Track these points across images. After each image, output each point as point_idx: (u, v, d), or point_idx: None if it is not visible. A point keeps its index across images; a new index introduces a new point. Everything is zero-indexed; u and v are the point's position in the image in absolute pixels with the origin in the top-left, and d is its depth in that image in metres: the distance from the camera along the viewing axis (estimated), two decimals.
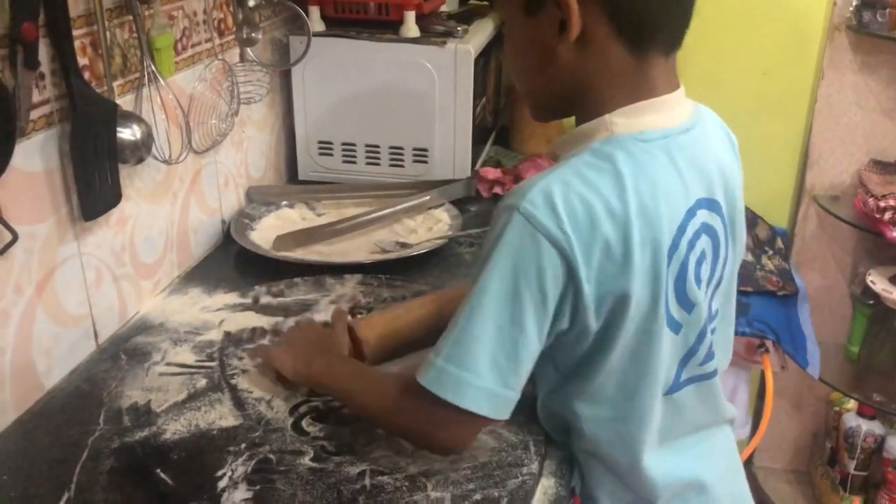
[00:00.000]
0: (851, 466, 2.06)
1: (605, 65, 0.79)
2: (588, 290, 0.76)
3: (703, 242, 0.84)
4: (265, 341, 1.10)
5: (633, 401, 0.84)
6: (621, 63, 0.79)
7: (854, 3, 1.76)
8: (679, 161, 0.81)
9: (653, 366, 0.83)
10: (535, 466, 0.86)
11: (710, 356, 0.89)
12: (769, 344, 1.67)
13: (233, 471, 0.85)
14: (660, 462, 0.87)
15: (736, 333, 1.58)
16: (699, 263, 0.83)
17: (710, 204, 0.84)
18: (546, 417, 0.92)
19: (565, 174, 0.77)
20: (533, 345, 0.77)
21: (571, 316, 0.78)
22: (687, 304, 0.83)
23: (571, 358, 0.84)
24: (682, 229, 0.80)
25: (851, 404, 2.08)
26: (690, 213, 0.81)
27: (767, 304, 1.68)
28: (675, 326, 0.83)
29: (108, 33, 1.05)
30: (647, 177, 0.78)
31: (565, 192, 0.75)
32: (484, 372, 0.76)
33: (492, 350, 0.75)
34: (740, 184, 0.90)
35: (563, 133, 1.80)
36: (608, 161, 0.77)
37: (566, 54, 0.79)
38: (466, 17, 1.70)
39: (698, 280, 0.83)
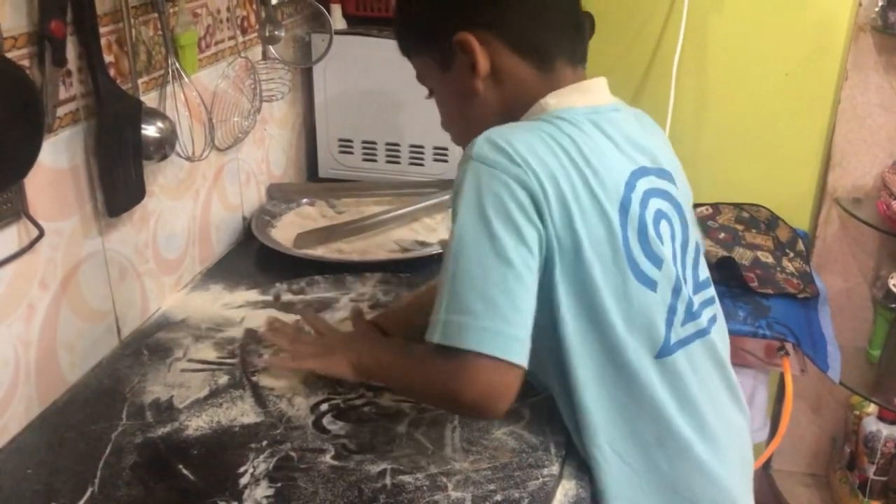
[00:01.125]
0: (871, 471, 2.04)
1: (522, 84, 0.89)
2: (551, 214, 0.79)
3: (658, 203, 0.89)
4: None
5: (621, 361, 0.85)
6: (535, 80, 0.89)
7: (880, 4, 1.74)
8: (612, 132, 0.88)
9: (640, 325, 0.85)
10: (555, 468, 0.86)
11: (692, 316, 0.90)
12: (789, 347, 1.65)
13: (254, 468, 0.85)
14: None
15: (756, 335, 1.58)
16: (657, 222, 0.87)
17: (660, 172, 0.91)
18: (562, 407, 0.91)
19: (507, 129, 0.84)
20: (526, 277, 0.78)
21: (546, 246, 0.80)
22: (655, 259, 0.86)
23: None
24: (630, 186, 0.85)
25: (872, 408, 2.06)
26: (636, 174, 0.87)
27: (788, 306, 1.66)
28: (650, 283, 0.85)
29: (133, 31, 1.05)
30: (583, 136, 0.85)
31: (508, 135, 0.82)
32: (480, 311, 0.76)
33: (482, 288, 0.76)
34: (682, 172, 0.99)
35: None
36: (545, 122, 0.85)
37: (485, 88, 0.89)
38: None
39: (660, 237, 0.87)
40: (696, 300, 0.92)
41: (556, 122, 0.85)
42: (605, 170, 0.84)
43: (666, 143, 0.99)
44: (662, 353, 0.87)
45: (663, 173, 0.92)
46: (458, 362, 0.77)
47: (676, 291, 0.88)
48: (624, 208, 0.83)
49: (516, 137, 0.81)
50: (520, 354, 0.77)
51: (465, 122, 0.93)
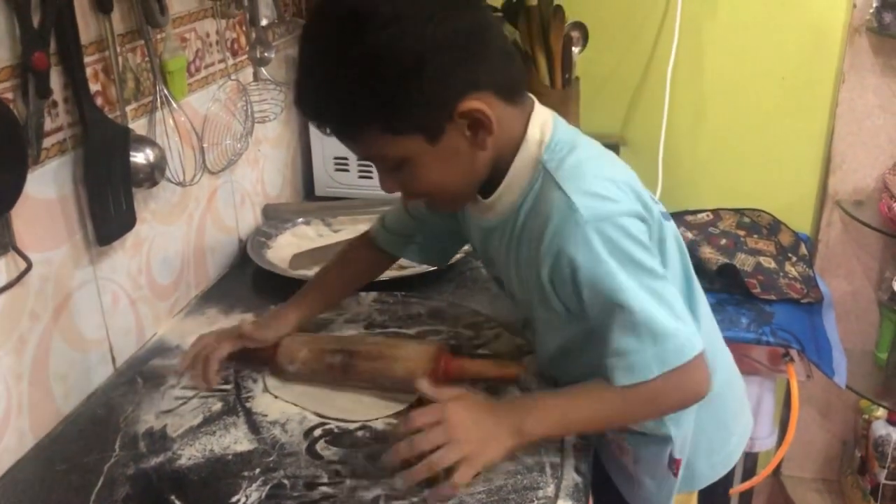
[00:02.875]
0: (882, 476, 2.02)
1: (507, 125, 0.86)
2: (653, 221, 0.89)
3: None
4: None
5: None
6: (514, 116, 0.88)
7: (874, 5, 1.73)
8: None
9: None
10: (551, 489, 0.85)
11: None
12: (794, 353, 1.64)
13: (247, 496, 0.85)
14: None
15: (759, 343, 1.57)
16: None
17: None
18: None
19: (571, 176, 0.85)
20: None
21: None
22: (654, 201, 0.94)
23: None
24: None
25: (881, 412, 2.04)
26: None
27: (791, 312, 1.65)
28: (667, 216, 0.96)
29: (120, 59, 1.05)
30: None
31: (592, 178, 0.84)
32: (685, 319, 0.84)
33: (669, 308, 0.83)
34: None
35: None
36: (573, 146, 0.88)
37: (487, 145, 0.85)
38: None
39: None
40: None
41: (571, 147, 0.88)
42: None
43: None
44: None
45: None
46: (691, 370, 0.84)
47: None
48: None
49: (598, 175, 0.85)
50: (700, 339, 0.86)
51: (460, 183, 0.89)
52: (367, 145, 0.85)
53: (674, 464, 0.97)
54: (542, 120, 0.89)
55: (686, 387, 0.86)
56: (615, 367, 0.84)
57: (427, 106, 0.80)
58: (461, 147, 0.84)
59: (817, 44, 1.83)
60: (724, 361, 1.08)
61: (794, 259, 1.77)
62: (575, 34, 1.79)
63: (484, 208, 0.92)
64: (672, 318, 0.83)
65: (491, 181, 0.90)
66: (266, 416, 0.98)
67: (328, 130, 0.86)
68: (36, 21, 0.89)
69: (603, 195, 0.83)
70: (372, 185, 1.65)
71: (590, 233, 0.81)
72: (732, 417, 1.10)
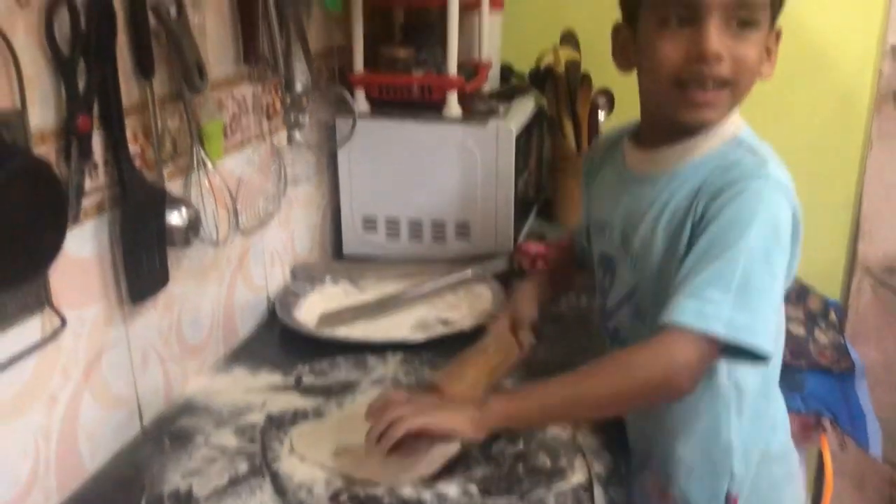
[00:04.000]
0: None
1: None
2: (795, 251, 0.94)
3: None
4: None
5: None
6: None
7: None
8: None
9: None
10: None
11: None
12: (826, 423, 1.60)
13: None
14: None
15: (790, 411, 1.53)
16: None
17: None
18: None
19: (769, 151, 0.96)
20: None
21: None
22: None
23: None
24: None
25: None
26: None
27: (822, 380, 1.62)
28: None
29: (159, 122, 1.08)
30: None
31: (782, 166, 0.94)
32: (769, 317, 0.87)
33: (771, 299, 0.88)
34: None
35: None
36: (766, 146, 0.98)
37: (766, 75, 0.96)
38: (508, 95, 1.72)
39: None
40: None
41: (761, 147, 0.97)
42: None
43: None
44: None
45: None
46: (713, 357, 0.88)
47: None
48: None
49: (783, 167, 0.94)
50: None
51: (748, 85, 0.95)
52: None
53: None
54: (739, 119, 1.00)
55: (679, 368, 0.86)
56: (687, 307, 0.86)
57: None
58: (770, 55, 0.96)
59: (844, 111, 1.84)
60: (785, 423, 1.11)
61: (824, 326, 1.75)
62: (601, 100, 1.81)
63: (654, 158, 1.00)
64: (765, 300, 0.86)
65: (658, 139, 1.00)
66: (292, 478, 0.97)
67: None
68: (81, 85, 0.92)
69: (787, 180, 0.92)
70: (398, 246, 1.66)
71: (766, 189, 0.89)
72: (786, 482, 1.10)
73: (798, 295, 1.82)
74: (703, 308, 0.85)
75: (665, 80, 0.92)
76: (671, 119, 0.95)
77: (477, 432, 0.91)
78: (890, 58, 1.77)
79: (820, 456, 1.64)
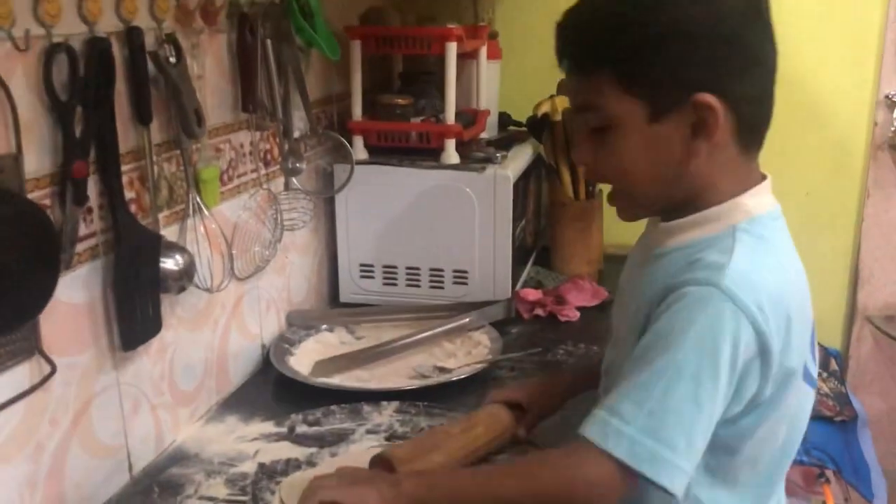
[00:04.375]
0: None
1: (726, 164, 0.84)
2: (776, 364, 0.80)
3: None
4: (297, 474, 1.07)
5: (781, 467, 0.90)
6: (737, 164, 0.85)
7: (895, 124, 1.76)
8: (789, 234, 0.89)
9: (801, 427, 0.90)
10: None
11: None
12: (830, 474, 1.58)
13: None
14: None
15: (793, 462, 1.52)
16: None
17: None
18: None
19: (747, 255, 0.81)
20: (716, 420, 0.79)
21: (754, 392, 0.81)
22: (814, 355, 0.91)
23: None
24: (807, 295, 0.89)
25: None
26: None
27: (825, 430, 1.60)
28: (812, 382, 0.90)
29: (155, 168, 1.08)
30: (789, 253, 0.87)
31: (759, 273, 0.80)
32: (681, 450, 0.76)
33: (690, 429, 0.77)
34: None
35: (602, 249, 1.77)
36: (768, 242, 0.84)
37: (697, 157, 0.82)
38: (506, 143, 1.73)
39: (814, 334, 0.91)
40: None
41: (773, 239, 0.85)
42: (803, 287, 0.88)
43: None
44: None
45: None
46: (625, 480, 0.77)
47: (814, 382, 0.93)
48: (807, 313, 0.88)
49: (764, 273, 0.80)
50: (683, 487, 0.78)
51: (649, 182, 0.86)
52: (593, 88, 0.83)
53: None
54: (764, 201, 0.86)
55: (585, 484, 0.78)
56: (597, 420, 0.78)
57: (671, 75, 0.80)
58: (674, 143, 0.82)
59: (841, 160, 1.85)
60: None
61: (825, 375, 1.74)
62: None
63: (671, 230, 0.88)
64: (681, 429, 0.76)
65: (674, 210, 0.88)
66: None
67: (565, 63, 0.86)
68: (78, 131, 0.93)
69: (755, 289, 0.78)
70: (396, 292, 1.65)
71: (713, 300, 0.77)
72: None
73: None
74: (610, 425, 0.77)
75: None
76: None
77: None
78: (883, 107, 1.79)
79: None
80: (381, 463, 0.99)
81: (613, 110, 0.83)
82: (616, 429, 0.77)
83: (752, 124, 0.84)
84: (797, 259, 0.89)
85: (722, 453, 0.85)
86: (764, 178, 0.88)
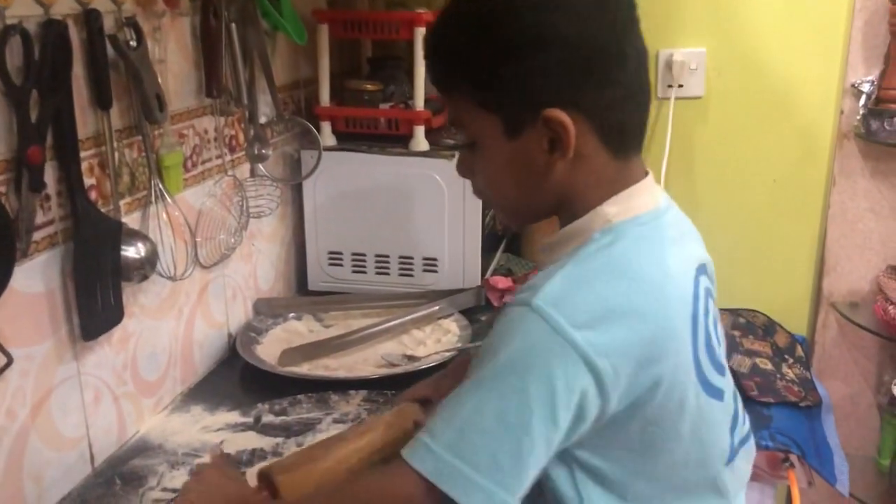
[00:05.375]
0: None
1: (594, 172, 0.81)
2: (615, 391, 0.75)
3: (710, 304, 0.86)
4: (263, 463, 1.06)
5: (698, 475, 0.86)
6: (608, 169, 0.82)
7: (861, 112, 1.77)
8: (674, 235, 0.84)
9: (712, 440, 0.85)
10: None
11: (744, 415, 0.93)
12: (794, 458, 1.60)
13: None
14: None
15: (758, 447, 1.52)
16: (714, 325, 0.86)
17: (704, 268, 0.88)
18: None
19: (576, 271, 0.77)
20: (539, 451, 0.74)
21: (597, 415, 0.76)
22: (719, 367, 0.85)
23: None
24: (696, 298, 0.82)
25: None
26: (696, 281, 0.84)
27: (790, 415, 1.62)
28: (718, 394, 0.85)
29: (116, 154, 1.06)
30: (654, 259, 0.80)
31: (581, 291, 0.75)
32: (483, 468, 0.72)
33: (493, 448, 0.73)
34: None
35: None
36: (613, 254, 0.79)
37: (558, 170, 0.80)
38: None
39: (718, 341, 0.86)
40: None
41: (624, 249, 0.79)
42: (674, 297, 0.80)
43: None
44: (729, 459, 0.88)
45: (705, 269, 0.88)
46: (430, 496, 0.73)
47: (735, 397, 0.89)
48: (694, 322, 0.81)
49: (589, 291, 0.75)
50: None
51: (516, 196, 0.85)
52: (455, 105, 0.84)
53: None
54: (636, 203, 0.82)
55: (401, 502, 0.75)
56: (415, 437, 0.77)
57: (518, 93, 0.78)
58: (534, 159, 0.80)
59: (807, 148, 1.86)
60: None
61: (791, 361, 1.75)
62: None
63: (547, 249, 0.87)
64: (487, 451, 0.72)
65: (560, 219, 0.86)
66: None
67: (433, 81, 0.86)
68: (34, 116, 0.90)
69: (572, 304, 0.74)
70: (365, 280, 1.64)
71: (527, 318, 0.74)
72: None
73: (765, 331, 1.83)
74: (420, 441, 0.75)
75: None
76: None
77: None
78: (850, 96, 1.80)
79: (788, 492, 1.63)
80: (263, 478, 0.92)
81: (474, 127, 0.83)
82: (425, 445, 0.75)
83: (619, 128, 0.81)
84: (686, 260, 0.84)
85: (606, 465, 0.82)
86: (645, 174, 0.85)
